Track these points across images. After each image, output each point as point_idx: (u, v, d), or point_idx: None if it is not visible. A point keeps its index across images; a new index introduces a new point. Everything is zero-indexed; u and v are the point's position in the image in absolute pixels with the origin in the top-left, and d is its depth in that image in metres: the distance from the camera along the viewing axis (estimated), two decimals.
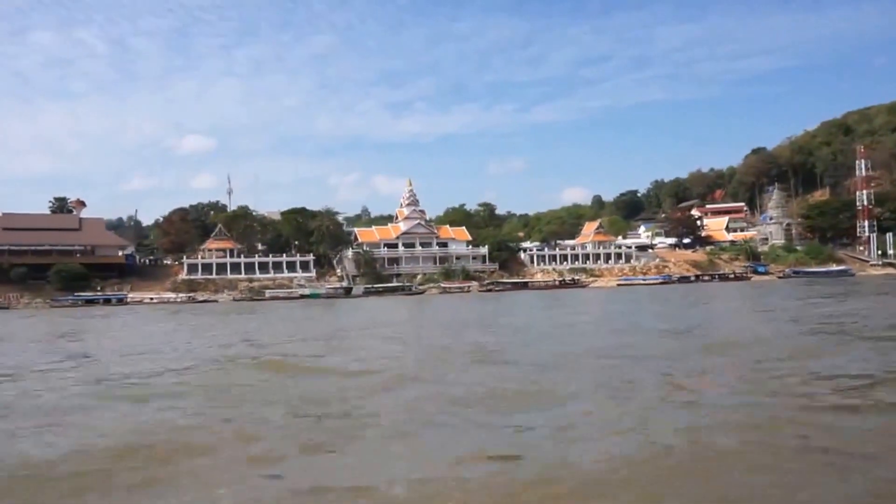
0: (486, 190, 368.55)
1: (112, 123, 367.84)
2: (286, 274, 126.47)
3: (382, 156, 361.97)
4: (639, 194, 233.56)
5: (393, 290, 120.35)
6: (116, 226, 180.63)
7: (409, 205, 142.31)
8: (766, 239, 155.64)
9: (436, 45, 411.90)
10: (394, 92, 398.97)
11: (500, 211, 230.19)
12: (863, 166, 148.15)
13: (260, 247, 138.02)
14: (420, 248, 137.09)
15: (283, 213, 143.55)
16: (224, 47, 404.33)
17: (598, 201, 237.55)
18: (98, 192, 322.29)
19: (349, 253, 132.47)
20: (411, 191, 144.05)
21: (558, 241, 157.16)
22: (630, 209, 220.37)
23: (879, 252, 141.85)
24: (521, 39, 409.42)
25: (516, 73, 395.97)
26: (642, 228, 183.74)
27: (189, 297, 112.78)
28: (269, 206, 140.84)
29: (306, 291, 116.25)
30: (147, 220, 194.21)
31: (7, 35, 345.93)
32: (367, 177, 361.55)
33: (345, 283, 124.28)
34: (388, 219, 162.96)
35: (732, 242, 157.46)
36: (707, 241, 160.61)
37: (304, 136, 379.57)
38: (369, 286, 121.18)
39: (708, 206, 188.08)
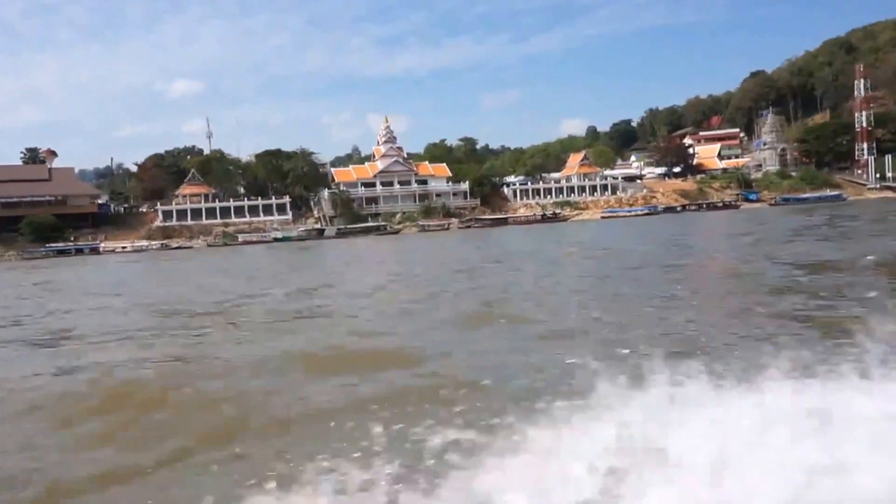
0: (482, 124, 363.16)
1: (100, 71, 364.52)
2: (262, 218, 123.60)
3: (375, 93, 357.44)
4: (633, 124, 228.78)
5: (367, 231, 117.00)
6: (104, 174, 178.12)
7: (386, 142, 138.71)
8: (760, 166, 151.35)
9: None
10: (385, 27, 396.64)
11: (495, 145, 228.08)
12: (862, 86, 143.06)
13: (242, 191, 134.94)
14: (398, 186, 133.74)
15: (257, 156, 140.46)
16: None
17: (592, 132, 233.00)
18: (89, 141, 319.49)
19: (325, 194, 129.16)
20: (388, 127, 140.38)
21: (543, 175, 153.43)
22: (624, 139, 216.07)
23: (878, 175, 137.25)
24: None
25: (510, 1, 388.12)
26: (633, 158, 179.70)
27: (162, 244, 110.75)
28: (257, 149, 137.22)
29: (279, 235, 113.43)
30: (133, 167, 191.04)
31: None
32: (359, 115, 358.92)
33: (318, 226, 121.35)
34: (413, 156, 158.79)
35: (725, 170, 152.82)
36: (698, 169, 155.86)
37: (294, 77, 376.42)
38: (342, 227, 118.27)
39: (701, 133, 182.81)
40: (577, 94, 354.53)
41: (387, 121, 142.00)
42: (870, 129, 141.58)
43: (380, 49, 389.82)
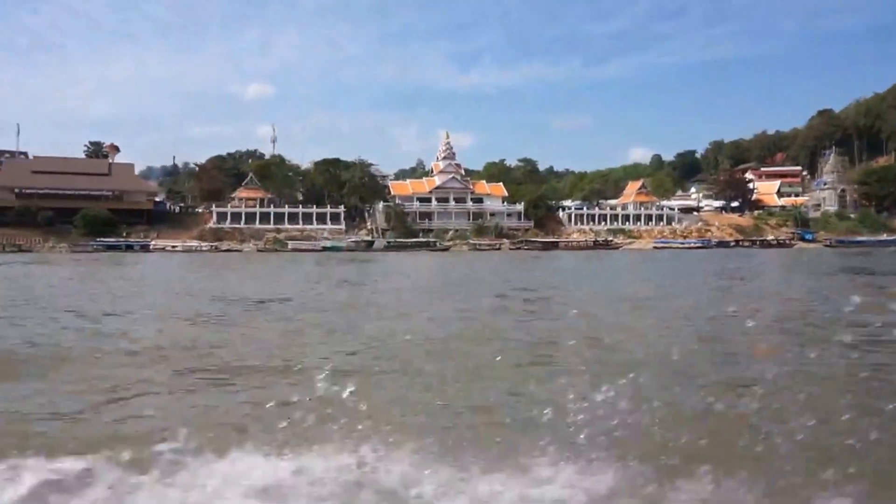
0: (549, 146, 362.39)
1: (176, 69, 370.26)
2: (315, 226, 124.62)
3: (445, 108, 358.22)
4: (697, 155, 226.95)
5: (417, 246, 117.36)
6: (172, 172, 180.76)
7: (444, 158, 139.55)
8: (819, 205, 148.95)
9: None
10: (460, 44, 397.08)
11: (560, 168, 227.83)
12: None
13: (300, 198, 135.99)
14: (453, 203, 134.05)
15: (315, 164, 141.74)
16: None
17: (657, 161, 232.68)
18: (162, 138, 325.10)
19: (380, 206, 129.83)
20: (448, 143, 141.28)
21: (600, 201, 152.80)
22: (688, 170, 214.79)
23: None
24: None
25: (586, 26, 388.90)
26: (693, 190, 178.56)
27: (213, 246, 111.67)
28: (324, 157, 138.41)
29: (328, 244, 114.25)
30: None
31: None
32: (427, 129, 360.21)
33: (368, 237, 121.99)
34: (473, 174, 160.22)
35: (783, 207, 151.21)
36: (757, 205, 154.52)
37: (366, 87, 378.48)
38: (391, 241, 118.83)
39: (763, 168, 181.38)
40: (645, 121, 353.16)
41: (447, 136, 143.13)
42: None
43: (453, 65, 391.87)
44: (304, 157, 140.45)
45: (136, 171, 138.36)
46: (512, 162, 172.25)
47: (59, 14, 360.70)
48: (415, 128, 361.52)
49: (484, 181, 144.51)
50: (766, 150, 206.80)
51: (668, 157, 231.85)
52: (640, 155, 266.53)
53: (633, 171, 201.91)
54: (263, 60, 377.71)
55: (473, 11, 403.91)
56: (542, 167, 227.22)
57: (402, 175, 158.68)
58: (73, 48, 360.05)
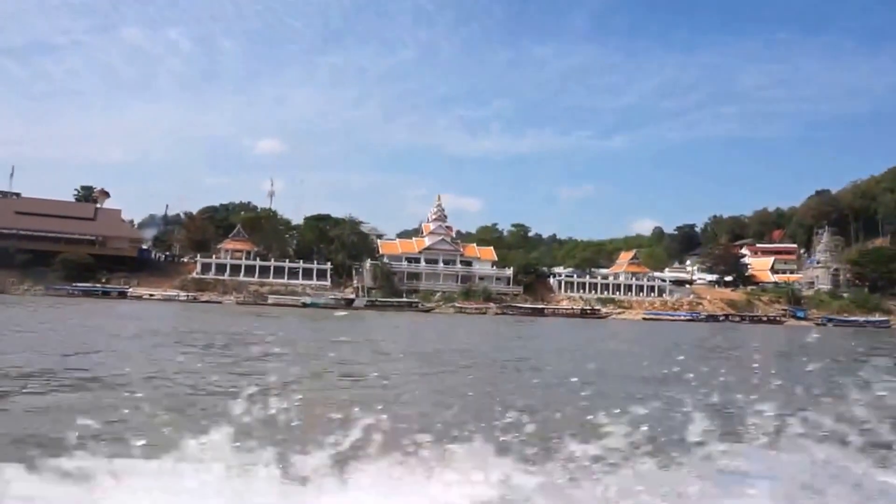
0: (555, 214, 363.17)
1: (189, 121, 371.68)
2: (301, 281, 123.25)
3: (453, 172, 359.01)
4: (696, 228, 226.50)
5: (398, 306, 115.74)
6: (173, 221, 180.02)
7: (435, 220, 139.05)
8: (812, 283, 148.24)
9: (517, 67, 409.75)
10: (471, 110, 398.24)
11: (563, 236, 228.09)
12: None
13: (291, 253, 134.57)
14: (442, 265, 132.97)
15: (305, 219, 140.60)
16: (307, 54, 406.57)
17: (658, 233, 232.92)
18: (171, 187, 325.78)
19: (367, 264, 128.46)
20: (439, 206, 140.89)
21: (592, 269, 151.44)
22: (687, 243, 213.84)
23: None
24: (602, 67, 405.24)
25: (595, 99, 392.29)
26: (688, 263, 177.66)
27: (191, 296, 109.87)
28: (329, 213, 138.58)
29: (308, 300, 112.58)
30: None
31: (98, 30, 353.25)
32: (435, 192, 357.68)
33: (350, 295, 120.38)
34: (465, 237, 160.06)
35: (776, 284, 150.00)
36: (751, 280, 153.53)
37: (377, 148, 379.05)
38: (372, 299, 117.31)
39: (758, 245, 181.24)
40: (649, 194, 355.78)
41: (439, 199, 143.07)
42: None
43: (463, 131, 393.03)
44: (306, 212, 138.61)
45: (139, 219, 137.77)
46: (505, 227, 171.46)
47: (79, 62, 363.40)
48: (422, 190, 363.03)
49: (475, 244, 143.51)
50: (764, 226, 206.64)
51: (669, 229, 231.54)
52: (644, 226, 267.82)
53: (634, 243, 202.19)
54: (276, 117, 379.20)
55: (485, 80, 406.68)
56: (545, 234, 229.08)
57: (405, 235, 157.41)
58: (89, 96, 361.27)
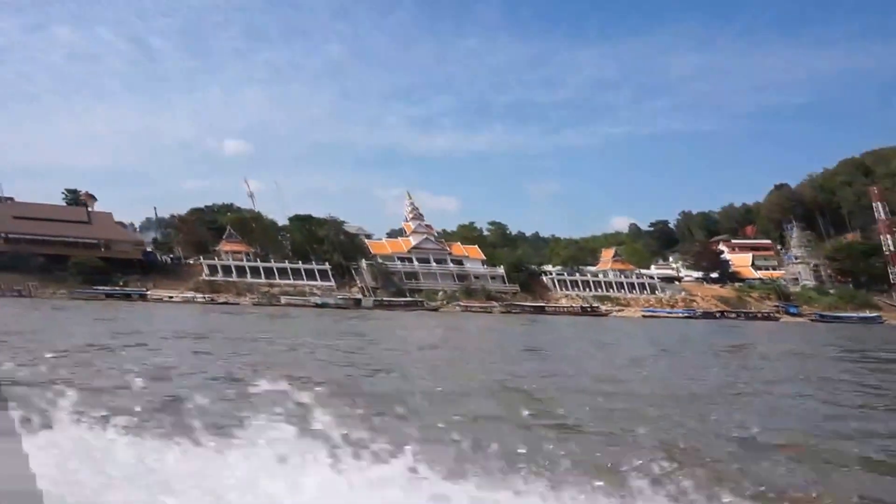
0: (533, 213, 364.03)
1: (149, 122, 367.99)
2: (304, 281, 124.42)
3: (420, 171, 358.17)
4: (670, 225, 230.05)
5: (406, 305, 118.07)
6: (168, 224, 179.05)
7: (413, 218, 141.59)
8: (796, 279, 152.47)
9: (446, 62, 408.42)
10: (414, 107, 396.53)
11: (545, 234, 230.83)
12: (881, 209, 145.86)
13: (289, 253, 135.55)
14: (435, 264, 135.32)
15: (290, 220, 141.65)
16: (238, 51, 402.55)
17: (634, 230, 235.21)
18: (150, 191, 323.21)
19: (364, 265, 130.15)
20: (412, 203, 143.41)
21: (579, 267, 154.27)
22: (664, 239, 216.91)
23: None
24: (530, 60, 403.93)
25: (534, 93, 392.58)
26: (670, 259, 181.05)
27: (210, 298, 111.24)
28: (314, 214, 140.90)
29: (318, 300, 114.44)
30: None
31: (30, 29, 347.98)
32: (410, 191, 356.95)
33: (357, 295, 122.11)
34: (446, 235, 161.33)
35: (761, 280, 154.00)
36: (735, 276, 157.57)
37: (339, 146, 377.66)
38: (379, 299, 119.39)
39: (734, 241, 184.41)
40: (617, 190, 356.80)
41: (410, 197, 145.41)
42: None
43: (414, 128, 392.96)
44: (284, 212, 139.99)
45: (134, 222, 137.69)
46: (482, 224, 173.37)
47: (25, 65, 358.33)
48: (396, 190, 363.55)
49: (459, 243, 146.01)
50: (734, 222, 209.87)
51: (644, 226, 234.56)
52: (621, 223, 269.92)
53: (613, 240, 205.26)
54: (230, 118, 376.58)
55: (419, 76, 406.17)
56: (527, 232, 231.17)
57: (393, 235, 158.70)
58: (46, 99, 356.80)
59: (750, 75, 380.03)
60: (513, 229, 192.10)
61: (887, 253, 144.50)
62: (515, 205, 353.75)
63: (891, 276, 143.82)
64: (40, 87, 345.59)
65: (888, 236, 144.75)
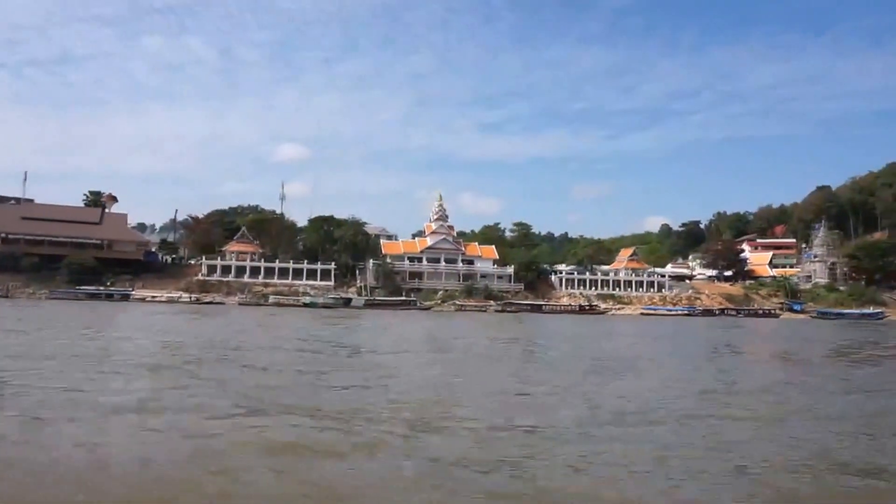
0: (572, 213, 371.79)
1: (213, 128, 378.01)
2: (305, 281, 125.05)
3: (471, 174, 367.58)
4: (701, 225, 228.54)
5: (397, 305, 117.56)
6: (187, 225, 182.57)
7: (437, 219, 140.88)
8: (810, 277, 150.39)
9: (531, 70, 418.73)
10: (487, 113, 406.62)
11: (574, 235, 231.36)
12: None
13: (298, 253, 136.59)
14: (444, 264, 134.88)
15: (309, 221, 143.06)
16: (326, 61, 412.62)
17: (665, 230, 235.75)
18: (195, 193, 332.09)
19: (370, 264, 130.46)
20: (441, 205, 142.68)
21: (594, 266, 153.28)
22: (692, 239, 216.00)
23: None
24: (614, 69, 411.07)
25: (608, 101, 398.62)
26: (691, 258, 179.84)
27: (195, 298, 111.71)
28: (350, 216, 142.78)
29: (307, 300, 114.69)
30: None
31: (120, 38, 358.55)
32: (453, 193, 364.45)
33: (353, 295, 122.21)
34: (468, 236, 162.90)
35: (774, 278, 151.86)
36: (750, 275, 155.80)
37: (398, 151, 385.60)
38: (371, 299, 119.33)
39: (759, 240, 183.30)
40: (659, 192, 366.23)
41: (440, 198, 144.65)
42: None
43: (481, 133, 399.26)
44: (312, 214, 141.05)
45: (159, 225, 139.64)
46: (507, 225, 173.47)
47: (103, 72, 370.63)
48: (440, 192, 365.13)
49: (476, 243, 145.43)
50: (767, 222, 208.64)
51: (677, 226, 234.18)
52: (655, 223, 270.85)
53: (643, 240, 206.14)
54: (297, 123, 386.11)
55: (501, 83, 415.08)
56: (559, 233, 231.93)
57: (420, 236, 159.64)
58: (114, 104, 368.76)
59: (830, 83, 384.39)
60: (551, 229, 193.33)
61: None
62: (556, 206, 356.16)
63: None
64: (111, 93, 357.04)
65: None
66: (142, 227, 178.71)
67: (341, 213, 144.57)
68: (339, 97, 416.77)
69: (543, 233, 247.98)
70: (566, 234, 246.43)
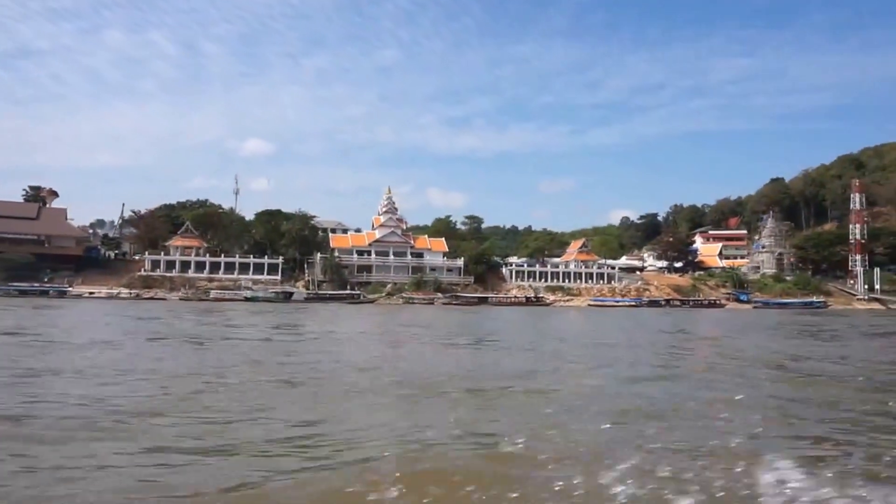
0: (537, 208, 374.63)
1: (176, 123, 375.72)
2: (251, 276, 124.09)
3: (438, 169, 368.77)
4: (659, 218, 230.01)
5: (341, 299, 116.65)
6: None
7: (386, 212, 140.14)
8: (758, 267, 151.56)
9: (497, 65, 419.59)
10: (453, 108, 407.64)
11: (538, 227, 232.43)
12: (858, 200, 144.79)
13: (245, 248, 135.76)
14: (393, 257, 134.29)
15: (256, 215, 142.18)
16: (291, 56, 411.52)
17: (626, 222, 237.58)
18: (159, 189, 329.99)
19: (317, 258, 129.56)
20: (389, 198, 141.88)
21: (546, 258, 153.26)
22: (651, 231, 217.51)
23: (866, 286, 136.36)
24: (580, 64, 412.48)
25: (574, 96, 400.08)
26: (644, 250, 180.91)
27: (135, 293, 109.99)
28: (316, 212, 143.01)
29: (248, 294, 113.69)
30: None
31: (81, 33, 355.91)
32: (420, 188, 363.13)
33: (294, 289, 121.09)
34: (423, 229, 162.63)
35: (724, 269, 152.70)
36: (700, 266, 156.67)
37: (363, 146, 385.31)
38: (313, 293, 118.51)
39: (711, 232, 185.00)
40: (624, 186, 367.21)
41: (389, 191, 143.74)
42: (863, 241, 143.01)
43: (447, 128, 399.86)
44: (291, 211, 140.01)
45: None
46: (459, 219, 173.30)
47: (64, 68, 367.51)
48: (407, 187, 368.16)
49: (426, 236, 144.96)
50: (722, 214, 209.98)
51: (634, 218, 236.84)
52: (619, 217, 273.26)
53: (605, 233, 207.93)
54: (262, 118, 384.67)
55: (467, 79, 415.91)
56: (520, 226, 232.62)
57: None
58: (74, 100, 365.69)
59: (789, 79, 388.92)
60: (521, 225, 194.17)
61: (853, 241, 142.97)
62: (524, 201, 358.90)
63: (850, 264, 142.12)
64: (70, 89, 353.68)
65: (857, 225, 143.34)
66: (101, 223, 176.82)
67: (308, 209, 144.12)
68: (304, 92, 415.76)
69: (508, 226, 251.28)
70: (530, 227, 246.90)
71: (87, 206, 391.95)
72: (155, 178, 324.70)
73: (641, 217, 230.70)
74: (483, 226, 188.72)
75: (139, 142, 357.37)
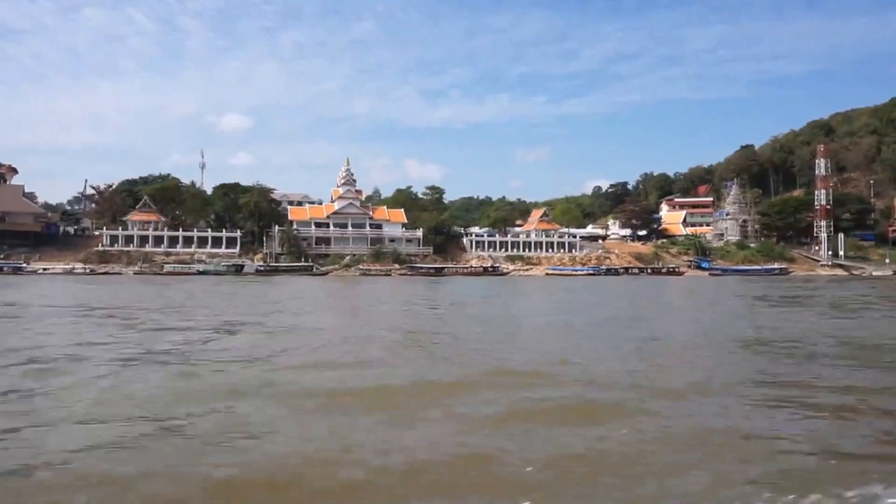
0: (513, 178, 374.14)
1: (156, 100, 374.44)
2: (210, 249, 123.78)
3: (415, 141, 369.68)
4: (629, 186, 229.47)
5: (294, 271, 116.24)
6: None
7: (344, 184, 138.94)
8: (722, 235, 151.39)
9: (473, 36, 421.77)
10: (429, 80, 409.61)
11: (512, 198, 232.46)
12: (823, 166, 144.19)
13: (206, 222, 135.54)
14: (351, 228, 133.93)
15: (214, 189, 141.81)
16: (268, 30, 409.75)
17: (597, 191, 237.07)
18: (141, 166, 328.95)
19: (275, 230, 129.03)
20: (348, 170, 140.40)
21: (508, 228, 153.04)
22: (620, 200, 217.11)
23: (830, 252, 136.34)
24: (556, 34, 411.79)
25: (549, 66, 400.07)
26: (610, 219, 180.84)
27: (91, 269, 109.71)
28: (285, 187, 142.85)
29: (200, 268, 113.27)
30: None
31: (60, 11, 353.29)
32: (398, 161, 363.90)
33: (246, 261, 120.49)
34: (387, 201, 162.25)
35: (687, 236, 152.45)
36: (664, 234, 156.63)
37: (341, 120, 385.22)
38: (264, 265, 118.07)
39: (677, 199, 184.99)
40: (599, 155, 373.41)
41: (347, 163, 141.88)
42: (829, 207, 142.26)
43: (423, 100, 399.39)
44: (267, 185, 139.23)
45: None
46: (420, 189, 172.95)
47: (43, 46, 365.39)
48: (386, 160, 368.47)
49: (384, 207, 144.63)
50: (691, 182, 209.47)
51: (605, 188, 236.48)
52: (594, 186, 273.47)
53: (577, 202, 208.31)
54: (241, 94, 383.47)
55: (443, 50, 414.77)
56: (494, 197, 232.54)
57: (369, 201, 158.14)
58: (55, 79, 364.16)
59: (766, 45, 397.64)
60: (495, 196, 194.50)
61: (818, 207, 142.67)
62: (501, 171, 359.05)
63: (815, 230, 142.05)
64: (51, 68, 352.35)
65: (823, 191, 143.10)
66: (78, 200, 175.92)
67: (286, 183, 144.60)
68: (281, 66, 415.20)
69: (483, 197, 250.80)
70: (503, 197, 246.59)
71: (67, 183, 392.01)
72: (135, 155, 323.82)
73: (611, 186, 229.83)
74: (458, 196, 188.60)
75: (119, 120, 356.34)
